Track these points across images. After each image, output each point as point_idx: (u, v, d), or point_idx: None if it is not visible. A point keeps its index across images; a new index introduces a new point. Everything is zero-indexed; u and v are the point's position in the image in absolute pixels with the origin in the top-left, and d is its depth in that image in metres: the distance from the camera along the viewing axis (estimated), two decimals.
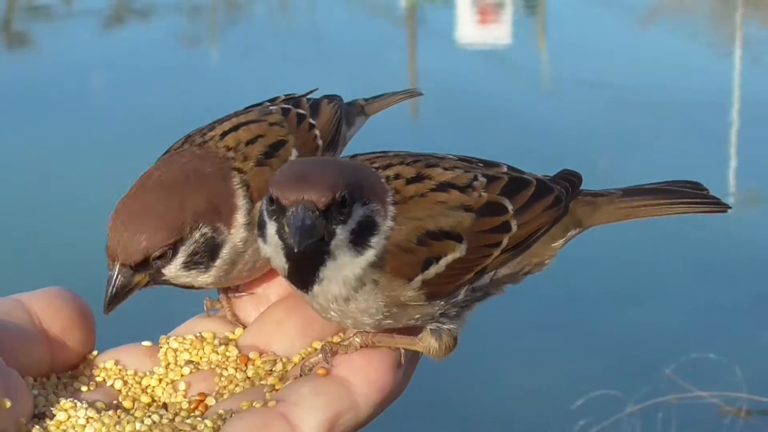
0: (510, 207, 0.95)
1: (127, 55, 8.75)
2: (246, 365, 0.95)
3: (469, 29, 9.89)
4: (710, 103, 7.23)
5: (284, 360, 0.95)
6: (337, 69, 7.78)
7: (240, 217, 1.00)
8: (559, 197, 1.00)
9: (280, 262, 0.91)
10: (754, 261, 4.89)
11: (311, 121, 1.11)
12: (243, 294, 1.04)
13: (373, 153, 0.97)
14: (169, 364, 0.97)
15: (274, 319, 0.98)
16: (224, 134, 1.06)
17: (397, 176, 0.92)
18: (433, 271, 0.91)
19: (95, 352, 0.97)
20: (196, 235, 0.97)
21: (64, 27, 10.28)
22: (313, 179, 0.88)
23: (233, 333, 1.01)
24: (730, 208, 1.04)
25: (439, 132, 6.44)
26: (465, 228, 0.92)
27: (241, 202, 1.00)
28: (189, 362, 0.97)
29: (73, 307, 0.95)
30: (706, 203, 1.05)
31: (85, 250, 4.67)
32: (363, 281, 0.89)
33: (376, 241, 0.89)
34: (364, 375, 0.86)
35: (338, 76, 7.13)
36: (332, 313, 0.91)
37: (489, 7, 10.34)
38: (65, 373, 0.95)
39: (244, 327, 1.01)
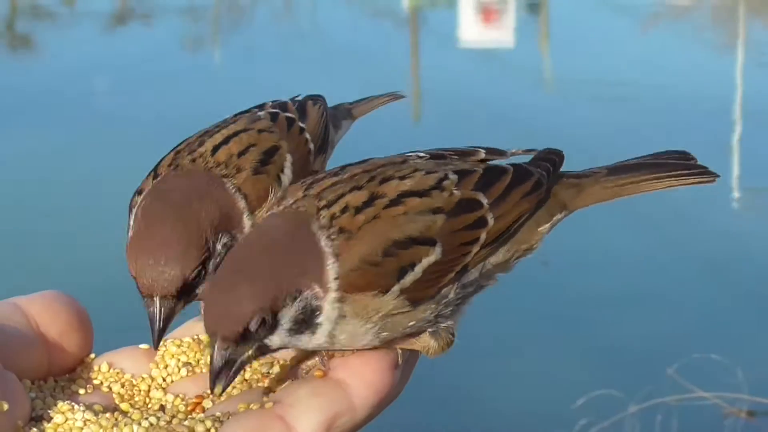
0: (485, 201, 0.93)
1: (130, 57, 8.77)
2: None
3: (472, 30, 9.90)
4: (713, 104, 7.23)
5: (281, 362, 0.95)
6: (340, 70, 7.79)
7: (246, 222, 1.00)
8: (539, 181, 0.97)
9: None
10: (757, 261, 4.89)
11: (301, 124, 1.11)
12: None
13: (332, 173, 0.95)
14: (166, 366, 0.97)
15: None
16: (215, 149, 1.04)
17: (344, 209, 0.90)
18: (409, 278, 0.89)
19: (92, 355, 0.97)
20: (218, 247, 0.97)
21: (66, 29, 10.31)
22: (219, 310, 0.87)
23: None
24: (718, 176, 1.02)
25: (441, 134, 6.44)
26: (437, 231, 0.90)
27: (242, 205, 1.00)
28: (186, 364, 0.97)
29: (71, 310, 0.95)
30: (693, 174, 1.02)
31: (85, 252, 4.69)
32: (333, 327, 0.89)
33: (323, 317, 0.88)
34: (361, 376, 0.86)
35: (341, 78, 7.13)
36: (328, 346, 0.91)
37: (492, 9, 10.34)
38: (63, 376, 0.95)
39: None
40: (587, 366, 4.02)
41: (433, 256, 0.90)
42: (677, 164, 1.03)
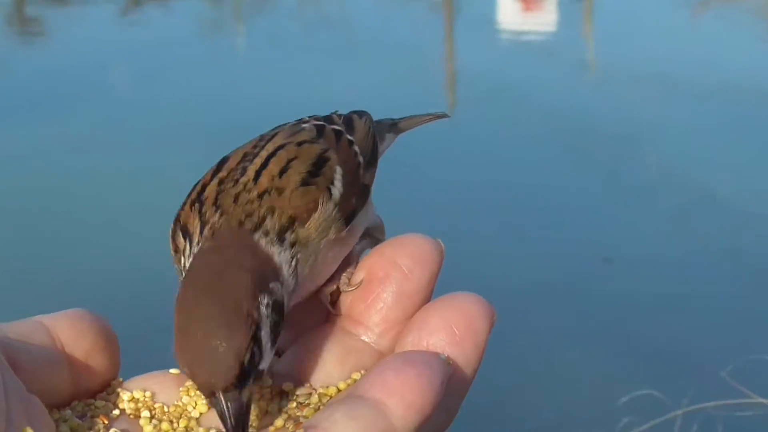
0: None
1: (147, 43, 8.81)
2: (280, 396, 0.96)
3: (512, 16, 9.88)
4: (765, 93, 7.20)
5: (320, 392, 0.95)
6: (368, 59, 7.80)
7: (285, 269, 1.00)
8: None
9: None
10: None
11: (349, 137, 1.11)
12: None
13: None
14: (197, 392, 0.96)
15: (310, 348, 0.99)
16: (257, 176, 1.04)
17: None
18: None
19: (120, 379, 0.97)
20: (263, 310, 0.96)
21: (78, 13, 10.37)
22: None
23: None
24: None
25: (477, 126, 6.44)
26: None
27: (275, 250, 1.00)
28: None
29: (98, 330, 0.95)
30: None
31: (109, 261, 4.72)
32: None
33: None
34: (400, 397, 0.85)
35: (370, 67, 7.15)
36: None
37: None
38: (88, 399, 0.95)
39: (279, 355, 1.02)
40: (633, 366, 4.03)
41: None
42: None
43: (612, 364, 4.07)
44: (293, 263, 1.00)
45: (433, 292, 0.99)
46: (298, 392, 0.96)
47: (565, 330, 4.26)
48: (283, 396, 0.96)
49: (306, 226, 1.02)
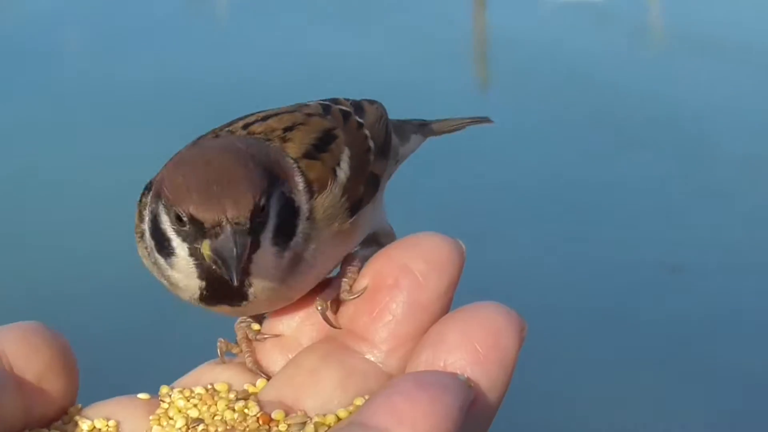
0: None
1: (110, 4, 8.82)
2: (269, 426, 0.97)
3: None
4: None
5: (316, 420, 0.97)
6: (380, 26, 7.80)
7: (303, 194, 1.05)
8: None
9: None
10: None
11: (358, 119, 1.15)
12: (267, 336, 1.07)
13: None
14: (172, 423, 0.99)
15: (305, 368, 1.00)
16: (247, 126, 1.11)
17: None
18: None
19: (78, 405, 1.00)
20: (275, 190, 1.04)
21: None
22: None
23: (254, 385, 1.03)
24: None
25: (513, 107, 6.45)
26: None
27: (298, 179, 1.06)
28: (197, 421, 0.99)
29: (53, 347, 0.97)
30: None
31: (64, 255, 4.74)
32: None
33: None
34: (410, 425, 0.86)
35: (383, 38, 7.15)
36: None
37: None
38: (41, 429, 0.97)
39: (268, 378, 1.04)
40: (707, 395, 4.04)
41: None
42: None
43: (681, 393, 4.07)
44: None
45: (451, 302, 1.00)
46: (290, 421, 0.97)
47: (622, 352, 4.26)
48: (273, 425, 0.97)
49: (314, 203, 1.07)
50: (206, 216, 0.99)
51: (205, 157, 1.03)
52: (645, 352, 4.29)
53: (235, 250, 0.98)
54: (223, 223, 0.99)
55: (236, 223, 0.99)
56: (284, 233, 1.03)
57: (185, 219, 1.01)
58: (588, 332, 4.33)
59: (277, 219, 1.02)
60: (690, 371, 4.19)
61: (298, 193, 1.05)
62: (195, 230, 1.01)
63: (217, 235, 0.99)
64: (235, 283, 0.99)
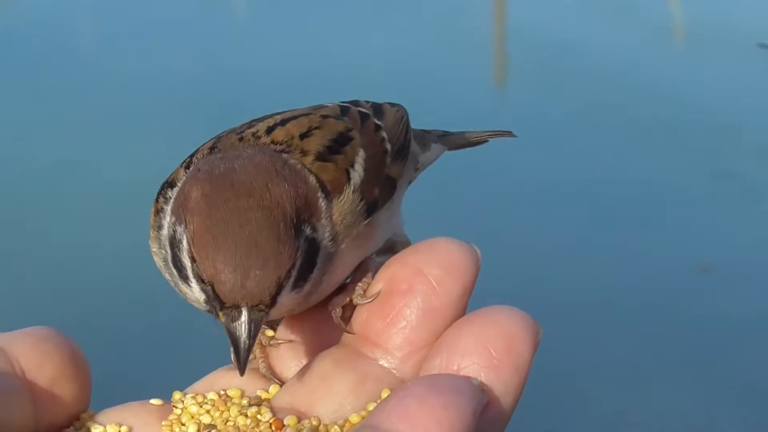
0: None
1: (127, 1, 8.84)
2: None
3: None
4: None
5: (329, 426, 0.98)
6: (397, 20, 7.79)
7: (324, 216, 1.05)
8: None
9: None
10: None
11: (377, 121, 1.16)
12: (281, 341, 1.08)
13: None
14: (183, 427, 1.00)
15: (319, 374, 1.01)
16: (269, 130, 1.11)
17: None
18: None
19: (91, 411, 1.01)
20: (301, 240, 1.02)
21: None
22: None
23: (267, 391, 1.05)
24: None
25: (532, 103, 6.43)
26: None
27: (319, 195, 1.06)
28: (210, 427, 1.00)
29: (65, 353, 0.98)
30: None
31: (77, 260, 4.74)
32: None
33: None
34: (423, 429, 0.87)
35: (399, 34, 7.14)
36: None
37: None
38: None
39: (281, 383, 1.05)
40: (736, 403, 4.02)
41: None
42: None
43: (709, 400, 4.06)
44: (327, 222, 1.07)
45: (466, 308, 1.01)
46: (302, 427, 0.98)
47: (648, 358, 4.25)
48: (286, 431, 0.98)
49: (333, 202, 1.07)
50: (227, 297, 0.99)
51: (239, 210, 0.99)
52: (673, 355, 4.28)
53: (246, 342, 0.99)
54: (242, 308, 0.99)
55: (255, 306, 0.99)
56: (306, 272, 1.03)
57: (207, 283, 1.00)
58: (612, 332, 4.32)
59: (300, 268, 1.02)
60: (718, 376, 4.18)
61: (321, 225, 1.05)
62: (215, 295, 1.00)
63: (233, 317, 0.99)
64: (242, 375, 1.00)
